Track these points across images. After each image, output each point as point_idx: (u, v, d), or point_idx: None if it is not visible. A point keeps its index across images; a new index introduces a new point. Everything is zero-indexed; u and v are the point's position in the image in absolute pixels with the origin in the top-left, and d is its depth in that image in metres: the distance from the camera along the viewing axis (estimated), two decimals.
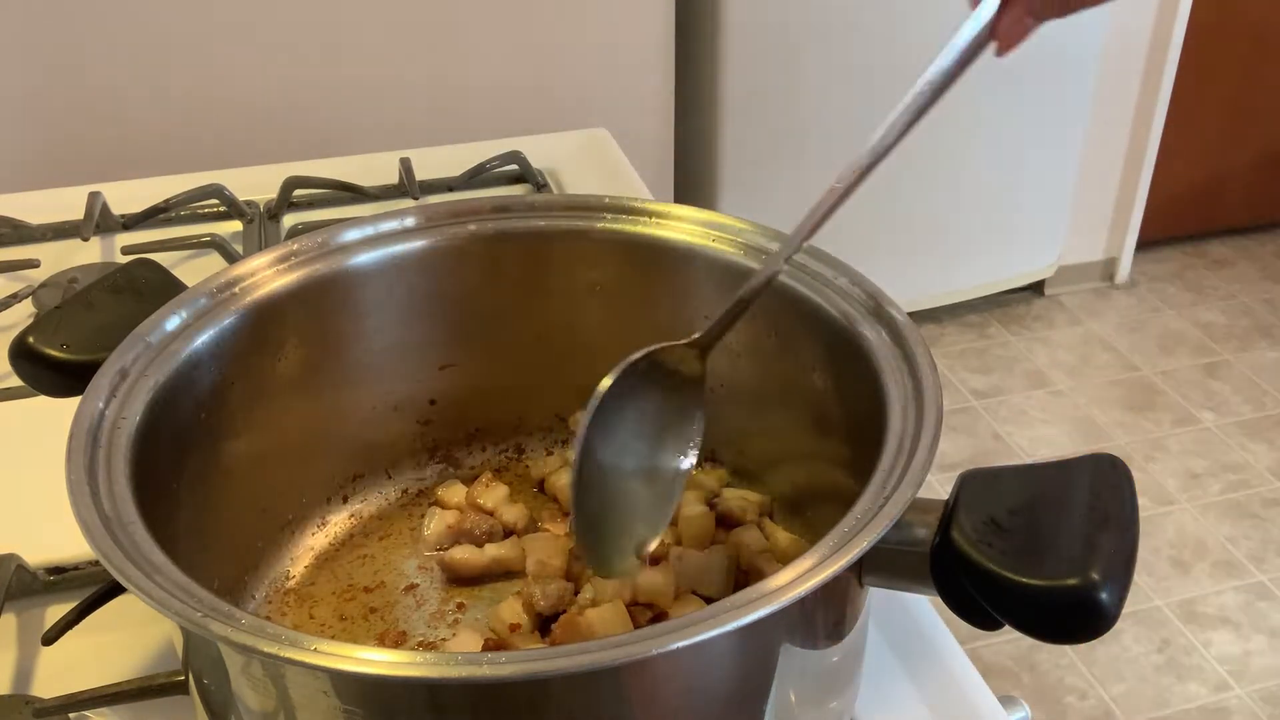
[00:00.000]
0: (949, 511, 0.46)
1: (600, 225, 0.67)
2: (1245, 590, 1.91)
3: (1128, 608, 1.92)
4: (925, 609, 0.65)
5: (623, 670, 0.42)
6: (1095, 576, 0.41)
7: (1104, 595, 0.41)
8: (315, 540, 0.67)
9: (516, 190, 1.12)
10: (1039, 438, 2.24)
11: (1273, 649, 1.81)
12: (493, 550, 0.64)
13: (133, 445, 0.51)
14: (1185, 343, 2.52)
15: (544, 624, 0.59)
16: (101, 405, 0.52)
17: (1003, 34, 0.53)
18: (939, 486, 1.96)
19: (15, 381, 0.79)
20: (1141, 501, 1.96)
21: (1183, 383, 2.39)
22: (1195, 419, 2.29)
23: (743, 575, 0.61)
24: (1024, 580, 0.42)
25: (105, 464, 0.50)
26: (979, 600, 0.44)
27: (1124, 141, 2.53)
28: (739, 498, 0.65)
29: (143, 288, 0.62)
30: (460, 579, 0.64)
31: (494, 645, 0.58)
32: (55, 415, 0.52)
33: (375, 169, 1.13)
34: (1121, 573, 0.42)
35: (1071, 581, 0.41)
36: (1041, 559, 0.42)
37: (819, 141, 2.07)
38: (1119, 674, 1.77)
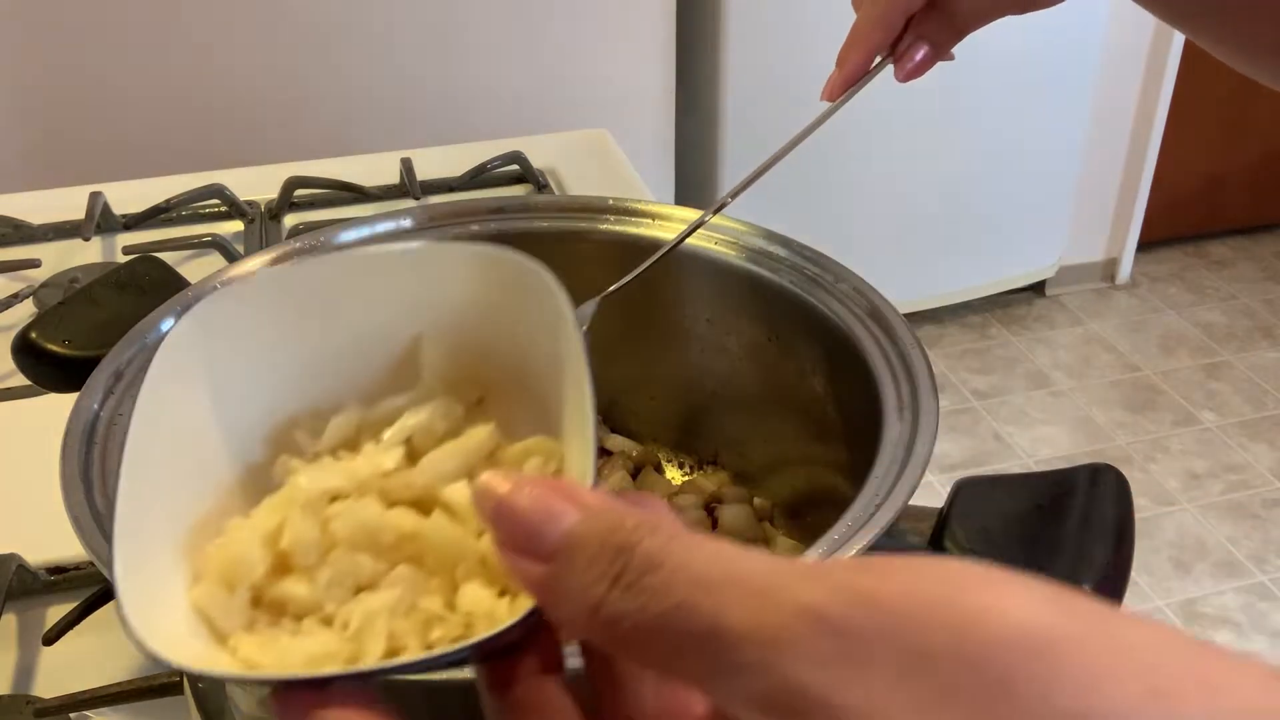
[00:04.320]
0: (942, 520, 0.46)
1: (601, 226, 0.67)
2: (1246, 591, 1.91)
3: (1128, 608, 1.91)
4: None
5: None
6: (1087, 588, 0.40)
7: None
8: None
9: (518, 190, 1.12)
10: (1040, 438, 2.24)
11: (1273, 650, 1.81)
12: None
13: None
14: (1186, 343, 2.52)
15: None
16: (97, 405, 0.52)
17: (900, 55, 0.57)
18: (940, 487, 1.96)
19: (16, 381, 0.79)
20: (1142, 502, 1.95)
21: (1183, 383, 2.39)
22: (1196, 419, 2.29)
23: None
24: None
25: (100, 462, 0.50)
26: None
27: (1125, 141, 2.53)
28: (737, 496, 0.65)
29: (146, 284, 0.62)
30: None
31: None
32: (56, 415, 0.52)
33: (376, 169, 1.13)
34: (1114, 584, 0.41)
35: None
36: (1033, 570, 0.42)
37: (819, 142, 2.07)
38: None
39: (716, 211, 0.60)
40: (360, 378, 0.37)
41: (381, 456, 0.34)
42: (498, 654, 0.28)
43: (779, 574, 0.23)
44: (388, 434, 0.35)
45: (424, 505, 0.33)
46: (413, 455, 0.35)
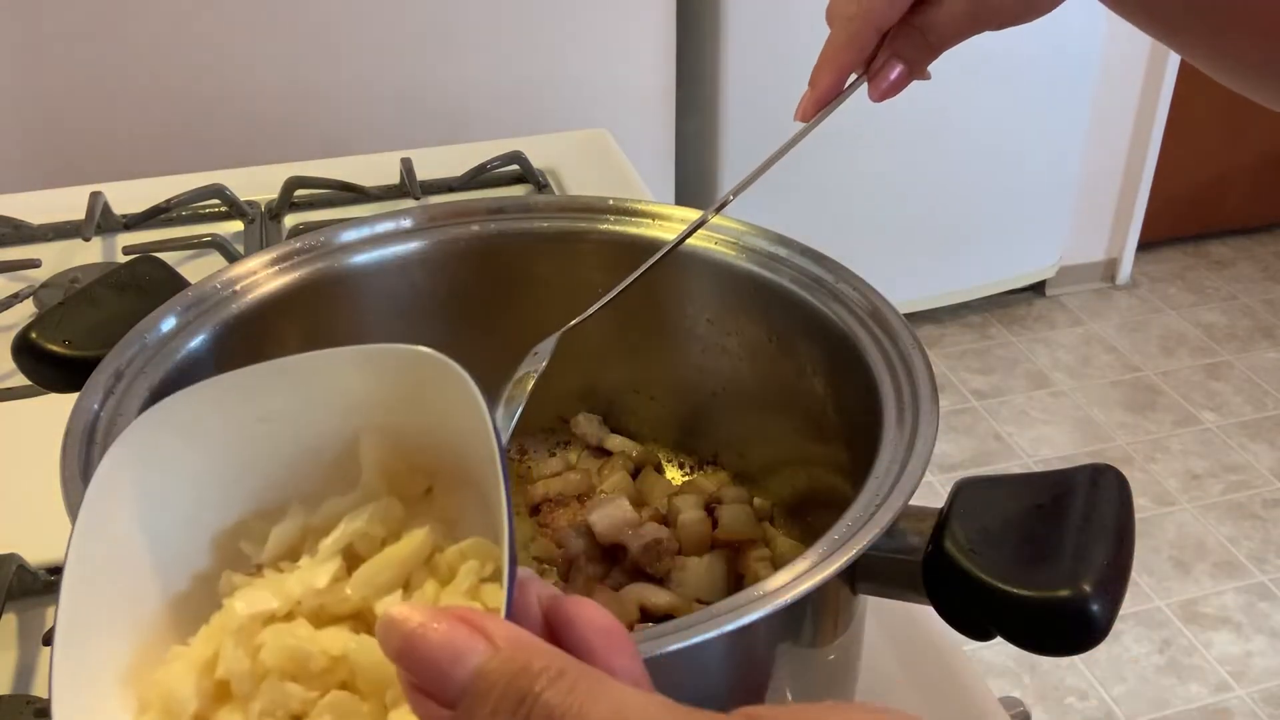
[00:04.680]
0: (942, 520, 0.46)
1: (601, 226, 0.67)
2: (1246, 591, 1.91)
3: (1128, 608, 1.92)
4: (926, 609, 0.65)
5: None
6: (1087, 588, 0.41)
7: (1095, 607, 0.40)
8: None
9: (518, 190, 1.12)
10: (1040, 438, 2.24)
11: (1273, 649, 1.81)
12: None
13: None
14: (1186, 343, 2.52)
15: None
16: (97, 405, 0.52)
17: (874, 74, 0.56)
18: (940, 488, 1.96)
19: (16, 381, 0.79)
20: (1142, 502, 1.94)
21: (1184, 383, 2.39)
22: (1196, 419, 2.29)
23: (739, 581, 0.61)
24: (1015, 591, 0.42)
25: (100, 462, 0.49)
26: (970, 610, 0.43)
27: (1125, 141, 2.53)
28: (737, 496, 0.65)
29: (146, 284, 0.62)
30: None
31: None
32: (56, 415, 0.52)
33: (376, 169, 1.13)
34: (1114, 585, 0.41)
35: (1063, 593, 0.41)
36: (1033, 570, 0.42)
37: (819, 142, 2.07)
38: (1120, 674, 1.77)
39: (644, 267, 0.59)
40: (303, 478, 0.36)
41: (316, 572, 0.34)
42: None
43: None
44: (324, 544, 0.35)
45: (363, 618, 0.33)
46: (354, 561, 0.34)
